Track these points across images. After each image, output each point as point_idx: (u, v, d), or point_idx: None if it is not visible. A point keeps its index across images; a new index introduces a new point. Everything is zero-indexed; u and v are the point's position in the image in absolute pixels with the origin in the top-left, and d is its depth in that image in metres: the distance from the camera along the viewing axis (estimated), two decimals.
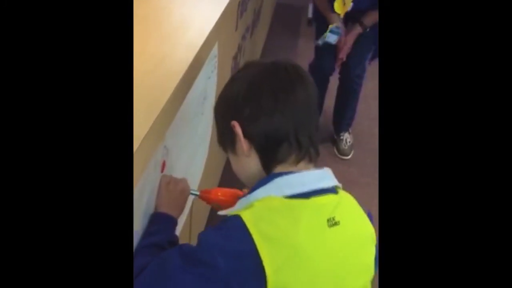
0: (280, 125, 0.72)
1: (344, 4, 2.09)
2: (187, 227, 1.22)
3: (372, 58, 2.31)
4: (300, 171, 0.72)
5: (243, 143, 0.74)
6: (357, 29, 2.18)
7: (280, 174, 0.72)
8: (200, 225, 1.49)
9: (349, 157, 2.47)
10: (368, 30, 2.17)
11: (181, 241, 1.16)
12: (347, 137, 2.52)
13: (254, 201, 0.70)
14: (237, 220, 0.66)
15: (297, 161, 0.74)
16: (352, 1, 2.07)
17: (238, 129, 0.74)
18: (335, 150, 2.50)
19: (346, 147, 2.49)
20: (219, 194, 0.94)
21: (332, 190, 0.73)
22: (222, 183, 1.86)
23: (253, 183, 0.74)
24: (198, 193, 0.97)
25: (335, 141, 2.54)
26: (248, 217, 0.66)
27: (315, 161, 0.76)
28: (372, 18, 2.14)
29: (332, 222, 0.69)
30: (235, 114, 0.74)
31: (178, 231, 1.11)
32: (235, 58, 1.77)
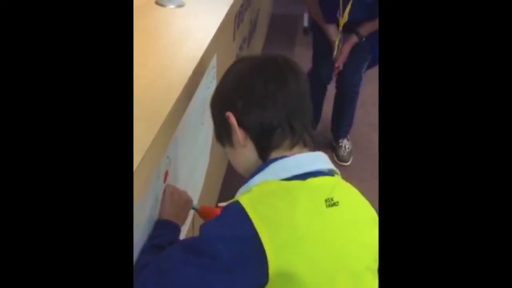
0: (273, 114, 0.75)
1: (342, 16, 2.12)
2: (190, 235, 1.23)
3: (368, 67, 2.34)
4: (294, 155, 0.74)
5: (238, 133, 0.76)
6: (353, 39, 2.20)
7: (276, 159, 0.74)
8: None
9: (348, 163, 2.48)
10: (364, 39, 2.20)
11: None
12: (345, 144, 2.53)
13: (252, 186, 0.72)
14: (236, 205, 0.67)
15: (291, 146, 0.76)
16: (348, 14, 2.10)
17: (233, 119, 0.76)
18: (335, 157, 2.51)
19: (345, 154, 2.50)
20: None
21: (328, 173, 0.75)
22: (223, 191, 1.87)
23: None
24: (198, 207, 0.98)
25: (334, 148, 2.55)
26: (246, 201, 0.67)
27: (310, 146, 0.79)
28: (367, 28, 2.16)
29: (331, 203, 0.70)
30: (228, 106, 0.77)
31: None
32: None
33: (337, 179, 0.76)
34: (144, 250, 0.80)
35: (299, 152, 0.76)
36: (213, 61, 1.23)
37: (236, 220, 0.66)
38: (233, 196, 0.73)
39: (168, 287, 0.66)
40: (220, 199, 1.81)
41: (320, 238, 0.67)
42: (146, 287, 0.68)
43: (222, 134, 0.82)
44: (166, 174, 0.92)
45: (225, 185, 1.91)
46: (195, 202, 1.02)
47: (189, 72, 0.94)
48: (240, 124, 0.77)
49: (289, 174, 0.71)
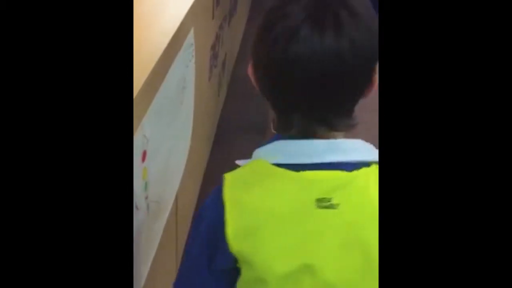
0: None
1: None
2: (173, 224, 1.19)
3: None
4: (302, 140, 0.62)
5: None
6: None
7: (279, 137, 0.65)
8: (186, 222, 1.46)
9: None
10: None
11: (167, 238, 1.14)
12: None
13: (255, 157, 0.66)
14: (220, 185, 0.65)
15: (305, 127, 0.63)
16: None
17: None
18: None
19: None
20: None
21: (344, 166, 0.61)
22: (207, 178, 1.84)
23: None
24: None
25: None
26: (229, 179, 0.64)
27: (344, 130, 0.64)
28: None
29: (325, 204, 0.61)
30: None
31: (162, 228, 1.09)
32: (213, 47, 1.74)
33: (353, 177, 0.61)
34: None
35: (325, 136, 0.63)
36: (190, 38, 1.19)
37: (213, 201, 0.65)
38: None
39: None
40: (204, 184, 1.78)
41: (293, 238, 0.61)
42: None
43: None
44: (144, 154, 0.88)
45: (209, 170, 1.88)
46: (177, 186, 0.98)
47: (163, 46, 0.89)
48: None
49: (280, 160, 0.62)
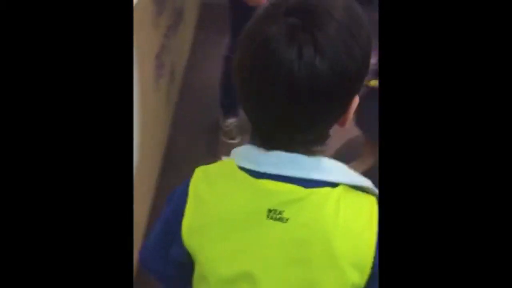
0: None
1: None
2: None
3: None
4: (268, 152, 0.61)
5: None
6: None
7: (250, 143, 0.64)
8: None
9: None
10: None
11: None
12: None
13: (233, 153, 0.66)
14: (189, 178, 0.67)
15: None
16: None
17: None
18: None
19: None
20: None
21: (303, 183, 0.60)
22: (159, 186, 1.84)
23: None
24: None
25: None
26: (198, 173, 0.66)
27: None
28: None
29: (275, 216, 0.59)
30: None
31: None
32: (158, 56, 1.75)
33: (311, 194, 0.60)
34: None
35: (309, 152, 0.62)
36: None
37: (178, 194, 0.67)
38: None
39: None
40: (158, 193, 1.78)
41: (237, 244, 0.61)
42: None
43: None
44: None
45: (162, 179, 1.88)
46: None
47: None
48: None
49: (247, 165, 0.62)
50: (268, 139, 0.61)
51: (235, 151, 0.65)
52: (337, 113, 0.60)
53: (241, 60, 0.59)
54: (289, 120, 0.58)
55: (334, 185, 0.60)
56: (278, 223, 0.59)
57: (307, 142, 0.61)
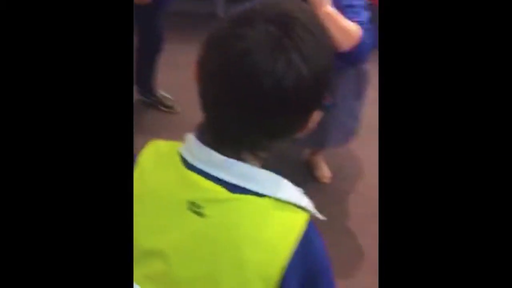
0: None
1: None
2: None
3: None
4: (208, 149, 0.62)
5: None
6: None
7: (195, 135, 0.64)
8: None
9: None
10: None
11: None
12: None
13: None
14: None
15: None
16: None
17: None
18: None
19: None
20: None
21: (230, 187, 0.60)
22: None
23: None
24: None
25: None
26: (151, 145, 0.68)
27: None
28: None
29: (194, 209, 0.61)
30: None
31: None
32: None
33: (234, 199, 0.60)
34: None
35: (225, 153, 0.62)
36: None
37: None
38: None
39: None
40: None
41: (157, 222, 0.63)
42: None
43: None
44: None
45: None
46: None
47: None
48: None
49: (184, 154, 0.63)
50: (220, 136, 0.61)
51: (187, 137, 0.65)
52: (307, 120, 0.61)
53: (210, 63, 0.59)
54: (258, 126, 0.58)
55: (261, 195, 0.60)
56: (196, 216, 0.60)
57: (256, 146, 0.61)
